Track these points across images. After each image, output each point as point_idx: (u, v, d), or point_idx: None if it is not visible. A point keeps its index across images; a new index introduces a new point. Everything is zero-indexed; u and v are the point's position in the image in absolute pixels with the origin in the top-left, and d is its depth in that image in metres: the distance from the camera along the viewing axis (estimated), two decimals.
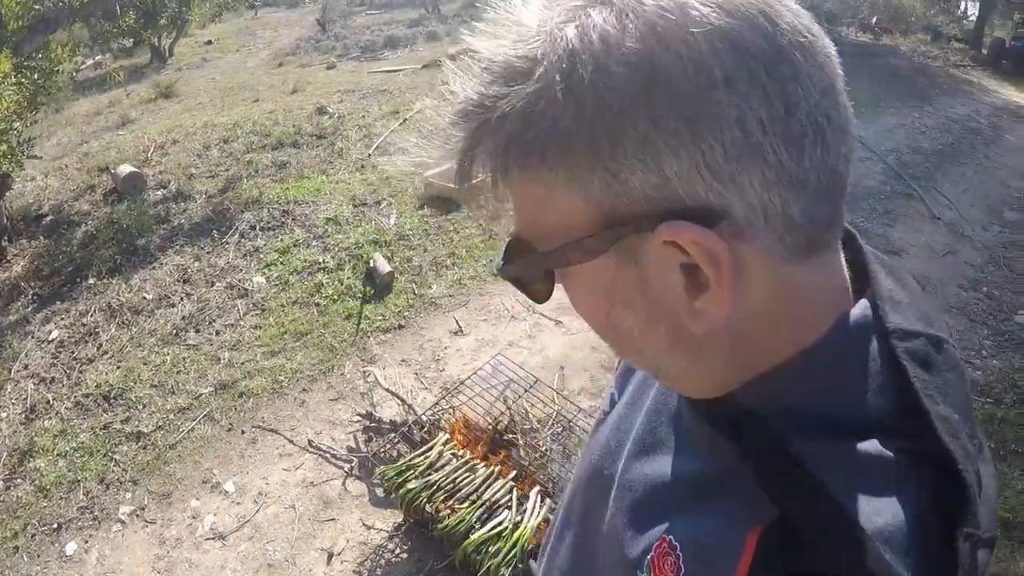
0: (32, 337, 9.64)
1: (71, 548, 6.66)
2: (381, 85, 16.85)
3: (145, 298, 9.94)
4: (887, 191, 11.99)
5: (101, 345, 9.33)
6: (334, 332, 8.91)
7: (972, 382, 7.29)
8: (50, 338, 9.60)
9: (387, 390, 7.66)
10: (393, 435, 7.05)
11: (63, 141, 16.19)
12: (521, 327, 8.72)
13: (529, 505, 5.91)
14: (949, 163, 13.46)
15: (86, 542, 6.69)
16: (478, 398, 6.98)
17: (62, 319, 9.86)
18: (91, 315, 9.78)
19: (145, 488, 7.14)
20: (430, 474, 6.23)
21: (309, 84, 17.66)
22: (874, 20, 27.43)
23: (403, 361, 8.40)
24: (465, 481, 6.19)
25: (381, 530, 6.47)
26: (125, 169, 12.45)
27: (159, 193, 12.32)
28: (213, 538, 6.54)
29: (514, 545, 5.60)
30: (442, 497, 6.06)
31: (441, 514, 5.93)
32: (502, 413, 6.83)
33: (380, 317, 9.08)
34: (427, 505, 6.01)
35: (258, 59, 24.24)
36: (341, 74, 19.21)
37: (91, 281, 10.23)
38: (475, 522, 5.82)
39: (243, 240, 10.83)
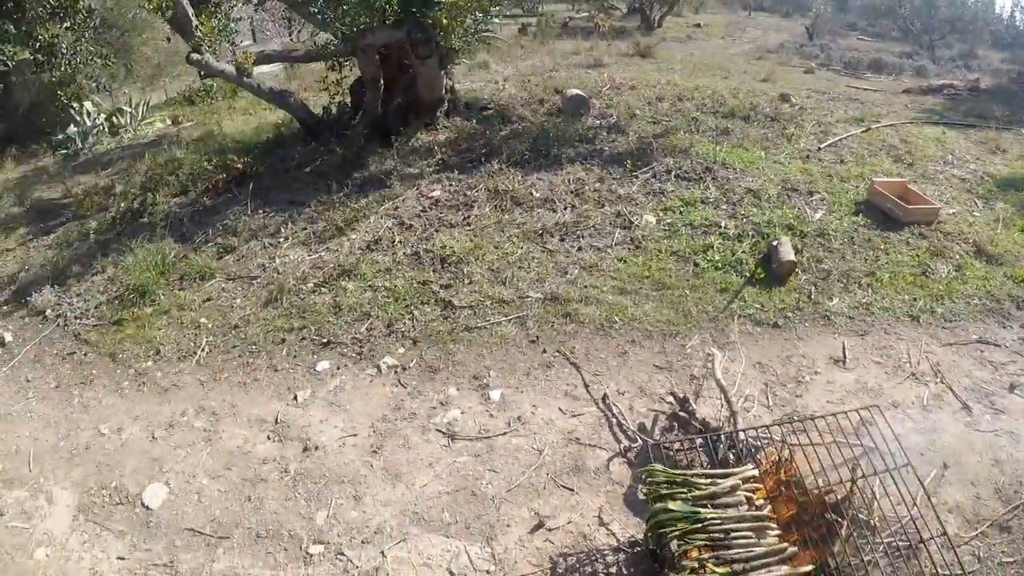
0: (416, 189, 9.84)
1: (322, 366, 6.75)
2: (853, 95, 15.66)
3: (532, 194, 9.50)
4: None
5: (469, 217, 9.10)
6: (699, 299, 7.56)
7: None
8: (431, 195, 9.68)
9: (717, 382, 5.89)
10: (696, 436, 5.37)
11: (537, 65, 17.00)
12: (918, 391, 6.58)
13: None
14: None
15: (338, 369, 6.69)
16: (821, 448, 4.88)
17: (451, 184, 9.91)
18: (476, 190, 9.66)
19: (420, 352, 6.83)
20: (705, 506, 4.31)
21: (781, 79, 17.27)
22: None
23: (758, 364, 6.74)
24: (742, 540, 4.21)
25: (613, 535, 4.97)
26: (572, 91, 12.46)
27: (598, 121, 11.88)
28: (444, 433, 5.91)
29: None
30: (701, 543, 4.18)
31: (684, 563, 4.06)
32: (840, 483, 4.59)
33: (758, 306, 7.54)
34: (675, 542, 4.12)
35: (739, 49, 23.87)
36: (817, 80, 18.28)
37: (493, 165, 10.22)
38: None
39: (653, 179, 9.86)
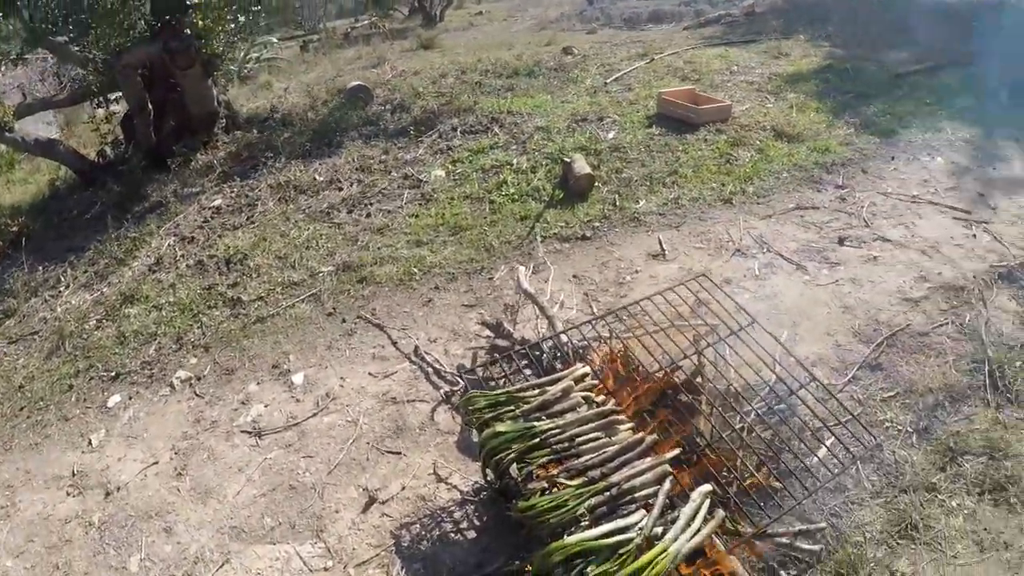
0: (197, 203, 8.97)
1: (113, 401, 5.77)
2: (636, 39, 15.63)
3: (316, 179, 8.79)
4: None
5: (253, 216, 8.28)
6: (499, 232, 7.01)
7: None
8: (212, 205, 8.83)
9: (525, 292, 5.21)
10: (512, 354, 4.51)
11: (321, 75, 16.06)
12: (747, 264, 6.31)
13: (685, 512, 3.17)
14: None
15: (130, 399, 5.74)
16: (659, 335, 4.25)
17: (232, 191, 9.06)
18: (258, 190, 8.85)
19: (213, 358, 5.90)
20: (539, 419, 3.40)
21: (565, 41, 16.64)
22: None
23: (574, 277, 6.21)
24: (591, 444, 3.40)
25: (455, 488, 4.21)
26: (354, 83, 11.93)
27: (382, 106, 11.25)
28: (250, 432, 5.00)
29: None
30: (544, 459, 3.37)
31: (532, 485, 3.24)
32: (686, 357, 3.82)
33: (562, 224, 7.09)
34: (514, 466, 3.31)
35: (522, 26, 23.59)
36: (599, 37, 18.32)
37: (274, 163, 9.49)
38: (583, 514, 3.13)
39: (440, 139, 9.36)
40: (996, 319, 5.62)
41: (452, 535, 3.86)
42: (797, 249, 6.49)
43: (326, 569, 3.88)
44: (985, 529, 3.95)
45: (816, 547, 3.62)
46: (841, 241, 6.61)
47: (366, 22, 27.42)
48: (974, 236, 6.88)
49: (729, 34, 15.24)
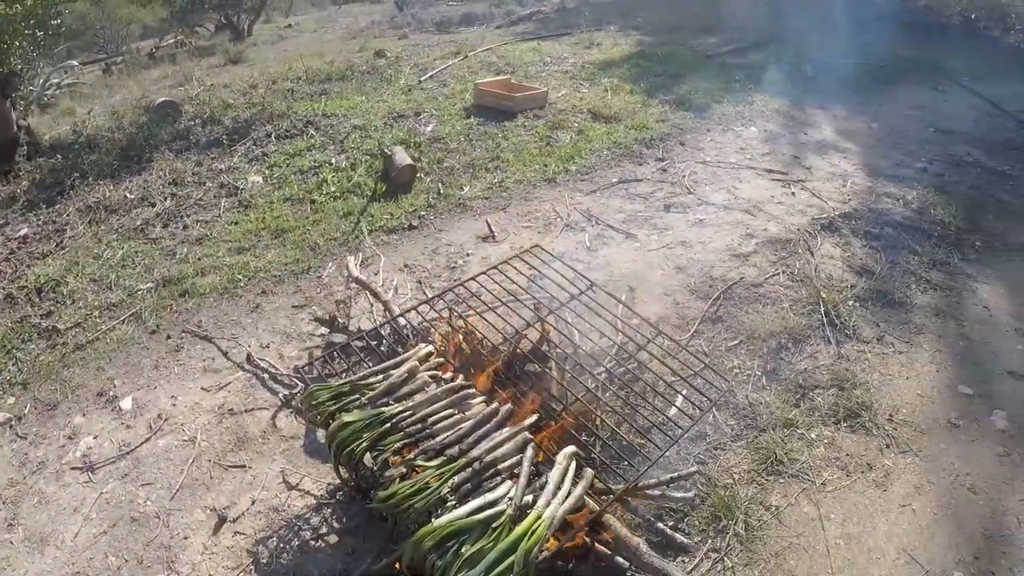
0: (1, 235, 8.10)
1: None
2: (449, 40, 15.74)
3: (127, 197, 8.18)
4: None
5: (63, 241, 7.61)
6: (324, 230, 6.75)
7: None
8: (17, 235, 7.99)
9: (356, 279, 5.05)
10: (351, 344, 4.32)
11: (127, 97, 15.15)
12: (577, 237, 6.39)
13: (554, 477, 3.05)
14: None
15: None
16: (501, 309, 4.18)
17: (38, 219, 8.29)
18: (66, 215, 8.14)
19: (32, 394, 5.27)
20: (387, 404, 3.23)
21: (377, 46, 16.72)
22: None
23: (405, 267, 6.05)
24: (445, 422, 3.24)
25: (308, 494, 3.93)
26: (161, 99, 11.38)
27: (192, 121, 10.70)
28: (81, 468, 4.47)
29: (510, 549, 2.73)
30: (398, 444, 3.16)
31: (389, 473, 3.02)
32: (530, 326, 3.72)
33: (388, 216, 6.93)
34: (367, 456, 3.10)
35: (333, 35, 23.40)
36: (411, 42, 18.17)
37: (81, 186, 8.79)
38: (448, 494, 2.96)
39: (254, 146, 8.99)
40: (824, 265, 5.93)
41: (313, 543, 3.59)
42: (625, 219, 6.55)
43: None
44: (847, 455, 4.13)
45: (689, 494, 3.62)
46: (667, 208, 6.77)
47: (171, 41, 26.49)
48: (793, 194, 7.25)
49: (541, 29, 15.59)
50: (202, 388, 4.87)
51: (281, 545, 3.63)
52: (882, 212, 7.06)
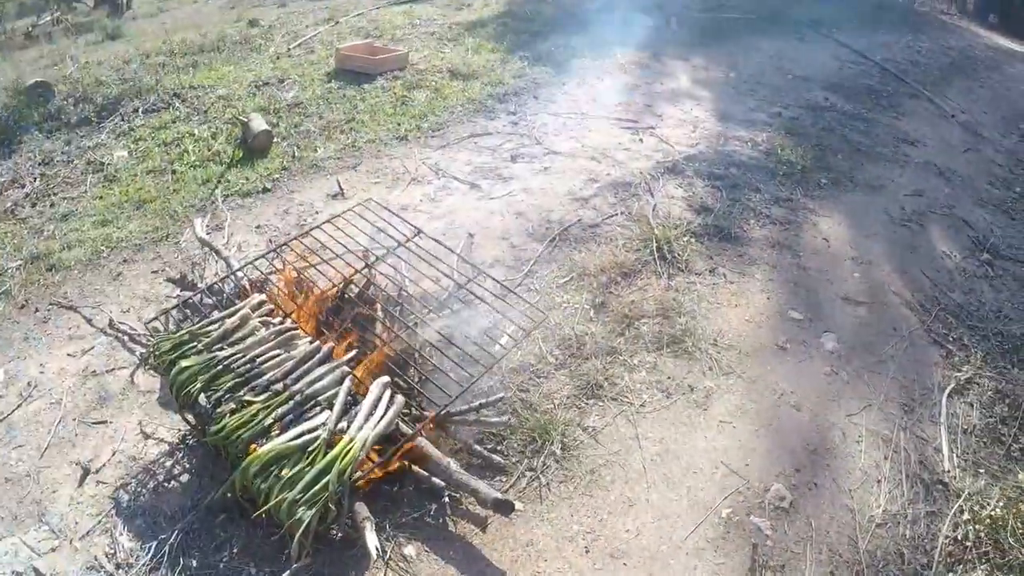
0: None
1: None
2: (324, 7, 15.63)
3: None
4: (888, 90, 10.59)
5: None
6: (182, 199, 6.79)
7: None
8: None
9: (200, 240, 5.24)
10: (195, 300, 4.48)
11: (1, 80, 14.19)
12: (423, 190, 6.59)
13: (365, 404, 3.36)
14: (953, 77, 11.72)
15: None
16: (336, 262, 4.34)
17: None
18: None
19: None
20: (221, 349, 3.42)
21: (254, 15, 16.05)
22: None
23: (257, 228, 6.19)
24: (272, 362, 3.45)
25: (162, 441, 4.11)
26: (33, 80, 10.87)
27: (66, 100, 10.28)
28: None
29: (325, 470, 3.06)
30: (230, 383, 3.38)
31: (220, 410, 3.26)
32: (356, 272, 3.98)
33: (243, 181, 6.99)
34: (201, 396, 3.28)
35: (214, 6, 22.28)
36: (290, 10, 17.68)
37: None
38: (271, 424, 3.26)
39: (122, 122, 8.89)
40: (664, 205, 6.14)
41: (167, 484, 3.81)
42: (471, 171, 6.77)
43: (53, 550, 3.70)
44: (669, 378, 4.35)
45: (503, 418, 3.84)
46: (513, 159, 6.96)
47: (48, 19, 25.47)
48: (641, 141, 7.50)
49: None
50: (68, 354, 4.98)
51: (139, 489, 3.82)
52: (728, 154, 7.34)
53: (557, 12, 12.89)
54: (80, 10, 24.53)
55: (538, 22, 12.12)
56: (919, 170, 7.72)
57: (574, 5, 13.22)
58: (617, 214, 6.06)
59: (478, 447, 3.77)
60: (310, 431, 3.15)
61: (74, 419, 4.42)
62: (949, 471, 3.98)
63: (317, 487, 2.93)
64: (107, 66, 11.73)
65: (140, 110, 9.05)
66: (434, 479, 3.43)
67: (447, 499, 3.40)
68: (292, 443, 3.08)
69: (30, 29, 22.56)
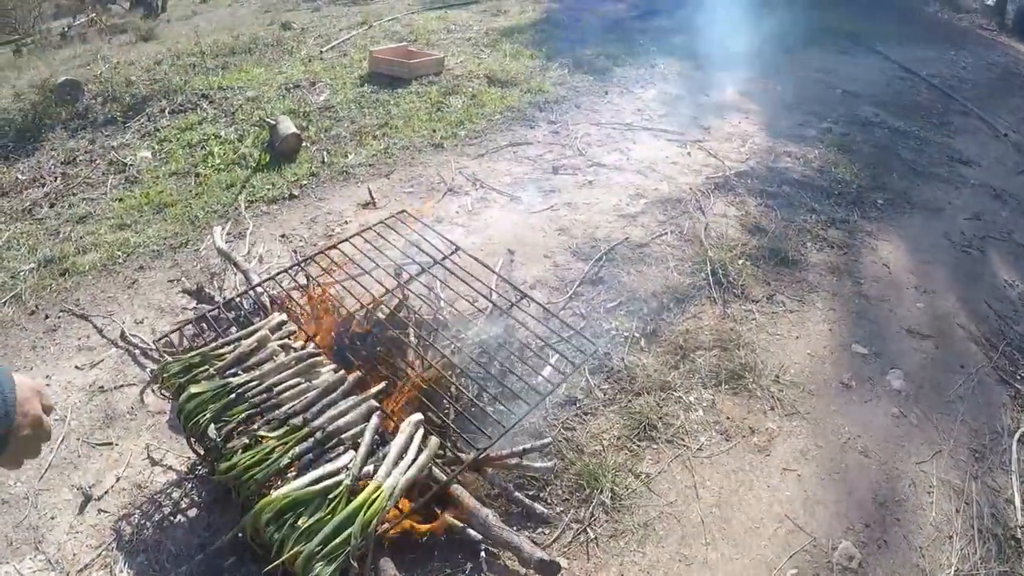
0: None
1: None
2: (359, 11, 15.07)
3: (18, 179, 7.79)
4: (938, 107, 10.22)
5: None
6: (204, 203, 6.48)
7: None
8: None
9: (219, 251, 4.90)
10: (210, 316, 4.09)
11: (35, 78, 14.12)
12: (460, 202, 6.24)
13: (395, 446, 2.97)
14: (1000, 94, 11.29)
15: None
16: (365, 278, 3.96)
17: None
18: None
19: None
20: (235, 374, 3.10)
21: (288, 19, 16.16)
22: None
23: (283, 237, 5.86)
24: (291, 391, 3.12)
25: (170, 469, 3.78)
26: (62, 78, 10.76)
27: (94, 100, 10.17)
28: None
29: (348, 521, 2.66)
30: (243, 414, 3.05)
31: (231, 444, 2.92)
32: (388, 292, 3.62)
33: (269, 186, 6.69)
34: (211, 427, 2.99)
35: (248, 9, 22.32)
36: (324, 15, 17.54)
37: None
38: (288, 464, 2.89)
39: (148, 122, 8.66)
40: (716, 224, 5.83)
41: (173, 518, 3.47)
42: (511, 182, 6.44)
43: None
44: (728, 418, 3.99)
45: (549, 463, 3.47)
46: (555, 170, 6.66)
47: (84, 20, 25.74)
48: (689, 154, 7.19)
49: None
50: (75, 366, 4.70)
51: (143, 521, 3.50)
52: (781, 171, 7.02)
53: (596, 20, 12.61)
54: (115, 12, 24.75)
55: (576, 30, 11.88)
56: (975, 192, 7.35)
57: (613, 13, 12.92)
58: (667, 233, 5.74)
59: (518, 494, 3.37)
60: (331, 475, 2.77)
61: (78, 439, 4.11)
62: (1022, 525, 3.62)
63: (338, 540, 2.55)
64: (138, 66, 11.56)
65: (167, 111, 8.83)
66: (468, 530, 3.04)
67: (484, 555, 3.02)
68: (311, 488, 2.70)
69: (66, 29, 22.80)
